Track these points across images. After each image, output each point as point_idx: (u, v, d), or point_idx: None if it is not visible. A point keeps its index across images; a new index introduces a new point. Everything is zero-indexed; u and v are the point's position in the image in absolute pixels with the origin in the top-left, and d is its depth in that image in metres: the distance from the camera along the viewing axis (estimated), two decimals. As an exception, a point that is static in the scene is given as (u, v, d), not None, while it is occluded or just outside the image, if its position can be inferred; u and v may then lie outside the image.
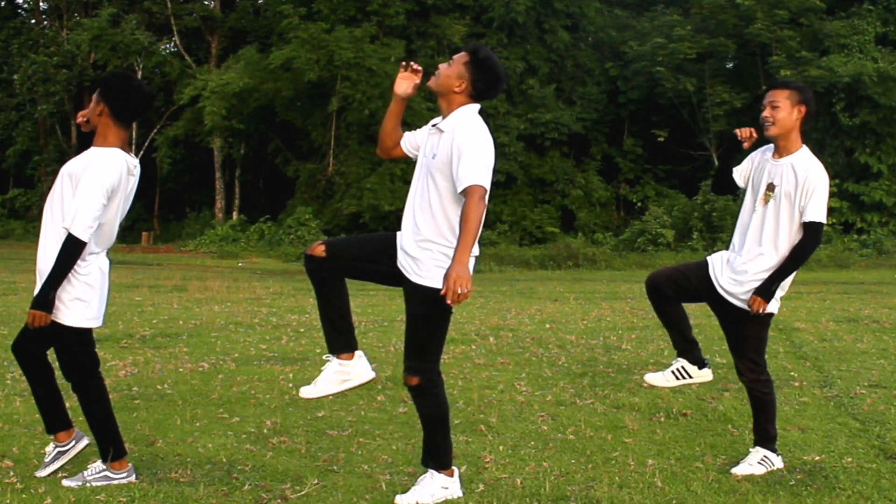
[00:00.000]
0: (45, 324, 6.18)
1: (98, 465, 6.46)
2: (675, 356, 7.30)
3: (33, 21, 60.26)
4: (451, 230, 5.90)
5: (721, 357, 11.06)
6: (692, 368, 7.12)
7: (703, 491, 6.41)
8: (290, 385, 9.99)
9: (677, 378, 7.15)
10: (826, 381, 10.37)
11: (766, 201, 6.70)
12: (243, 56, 46.04)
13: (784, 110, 6.65)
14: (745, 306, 6.73)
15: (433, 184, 5.99)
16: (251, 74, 44.23)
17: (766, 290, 6.63)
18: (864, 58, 40.28)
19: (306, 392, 6.35)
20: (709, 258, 6.99)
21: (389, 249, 6.15)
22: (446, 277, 5.47)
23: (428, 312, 6.00)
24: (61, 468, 6.61)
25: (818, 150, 6.88)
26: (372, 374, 6.40)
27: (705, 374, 7.16)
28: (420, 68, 6.28)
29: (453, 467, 6.31)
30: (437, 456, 6.22)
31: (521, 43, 45.06)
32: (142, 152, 48.22)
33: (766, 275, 6.65)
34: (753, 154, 6.96)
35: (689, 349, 7.14)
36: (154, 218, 53.64)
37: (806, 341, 13.40)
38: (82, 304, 6.30)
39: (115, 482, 6.39)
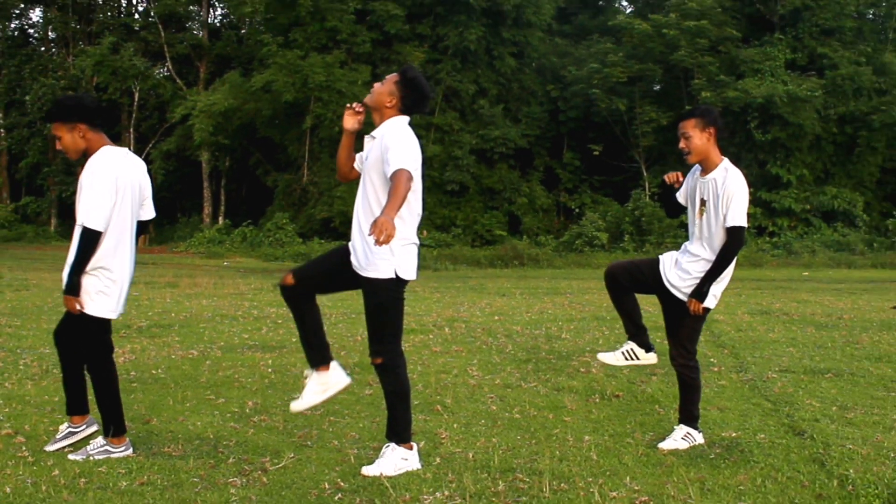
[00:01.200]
0: (80, 306, 6.34)
1: (99, 440, 6.54)
2: (625, 340, 7.32)
3: (43, 49, 59.72)
4: None
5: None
6: (640, 351, 7.14)
7: (633, 463, 6.44)
8: (270, 370, 9.99)
9: (626, 359, 7.16)
10: (742, 367, 10.43)
11: (701, 214, 6.79)
12: (228, 79, 45.80)
13: (695, 138, 6.73)
14: (685, 299, 6.78)
15: (370, 181, 6.08)
16: (235, 96, 44.00)
17: (699, 292, 6.70)
18: (776, 81, 40.47)
19: (296, 406, 6.52)
20: (661, 256, 7.02)
21: (345, 258, 6.25)
22: (374, 223, 5.32)
23: (380, 301, 6.09)
24: (69, 446, 6.68)
25: (735, 163, 6.95)
26: (348, 380, 6.57)
27: (651, 358, 7.17)
28: (362, 109, 6.32)
29: (412, 442, 6.34)
30: (398, 431, 6.25)
31: (473, 68, 44.98)
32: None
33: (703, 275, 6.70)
34: (689, 175, 7.05)
35: (638, 334, 7.15)
36: (150, 222, 53.14)
37: (724, 331, 13.47)
38: (105, 297, 6.46)
39: (115, 455, 6.45)
